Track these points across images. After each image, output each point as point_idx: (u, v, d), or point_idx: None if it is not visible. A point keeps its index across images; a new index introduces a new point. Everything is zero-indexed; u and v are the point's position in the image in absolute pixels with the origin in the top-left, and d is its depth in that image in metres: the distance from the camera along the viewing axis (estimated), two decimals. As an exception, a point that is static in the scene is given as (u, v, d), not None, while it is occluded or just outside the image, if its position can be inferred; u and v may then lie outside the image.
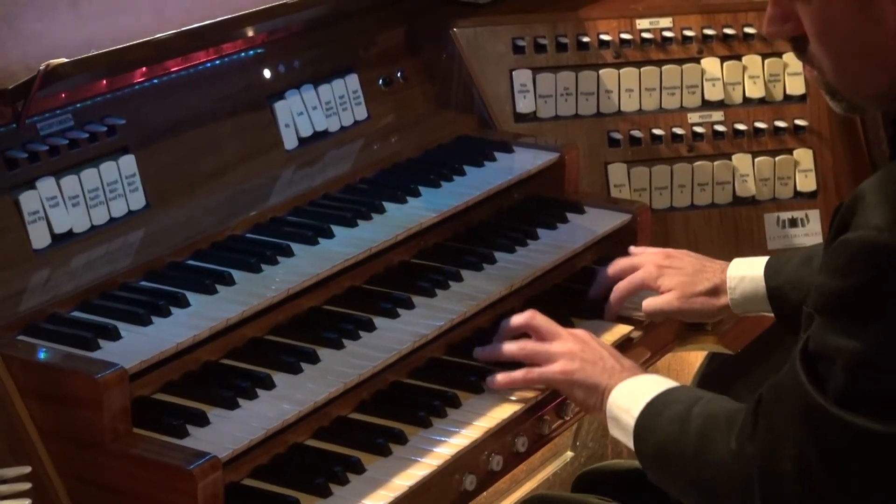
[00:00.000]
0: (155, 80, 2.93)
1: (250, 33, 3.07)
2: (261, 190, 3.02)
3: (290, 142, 3.15)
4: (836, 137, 3.68)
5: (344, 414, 2.62)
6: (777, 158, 3.63)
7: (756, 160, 3.62)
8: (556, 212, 3.23)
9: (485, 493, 2.64)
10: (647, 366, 2.90)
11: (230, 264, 2.72)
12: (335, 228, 2.89)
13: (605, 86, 3.55)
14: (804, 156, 3.64)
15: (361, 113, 3.31)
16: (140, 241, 2.78)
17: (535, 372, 2.65)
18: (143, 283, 2.68)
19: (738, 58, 3.64)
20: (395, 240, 2.93)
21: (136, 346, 2.46)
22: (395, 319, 2.75)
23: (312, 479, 2.40)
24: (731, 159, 3.61)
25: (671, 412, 2.39)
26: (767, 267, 2.86)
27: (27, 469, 2.22)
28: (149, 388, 2.51)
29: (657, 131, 3.57)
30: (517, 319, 2.73)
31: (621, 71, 3.56)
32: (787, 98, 3.66)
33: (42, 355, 2.40)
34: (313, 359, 2.60)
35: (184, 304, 2.59)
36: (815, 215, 3.64)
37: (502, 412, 2.64)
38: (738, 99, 3.63)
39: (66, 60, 2.53)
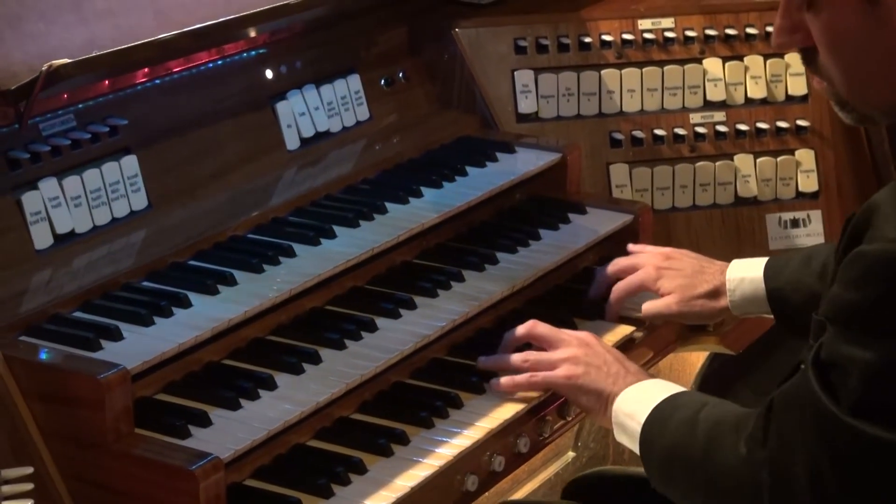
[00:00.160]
0: (157, 81, 2.93)
1: (252, 34, 3.07)
2: (263, 190, 3.02)
3: (292, 142, 3.15)
4: (838, 138, 3.68)
5: (346, 414, 2.62)
6: (779, 159, 3.63)
7: (758, 160, 3.62)
8: (558, 212, 3.23)
9: (486, 494, 2.63)
10: (648, 366, 2.90)
11: (232, 265, 2.72)
12: (337, 229, 2.89)
13: (607, 86, 3.55)
14: (806, 156, 3.64)
15: (363, 113, 3.31)
16: (142, 242, 2.78)
17: (539, 376, 2.64)
18: (145, 283, 2.68)
19: (740, 58, 3.64)
20: (397, 240, 2.93)
21: (138, 346, 2.46)
22: (396, 320, 2.76)
23: (314, 480, 2.40)
24: (732, 160, 3.61)
25: (678, 417, 2.38)
26: (767, 268, 2.85)
27: (29, 470, 2.22)
28: (151, 389, 2.51)
29: (659, 132, 3.57)
30: (520, 331, 2.72)
31: (623, 71, 3.56)
32: (789, 98, 3.66)
33: (44, 356, 2.40)
34: (315, 359, 2.60)
35: (186, 304, 2.59)
36: (816, 216, 3.64)
37: (504, 413, 2.64)
38: (739, 99, 3.63)
39: (68, 61, 2.53)
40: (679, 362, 3.99)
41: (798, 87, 3.66)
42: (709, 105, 3.62)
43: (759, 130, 3.62)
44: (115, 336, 2.47)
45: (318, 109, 3.21)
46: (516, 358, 2.68)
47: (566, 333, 2.69)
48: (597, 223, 3.22)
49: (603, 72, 3.55)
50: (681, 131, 3.58)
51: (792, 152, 3.64)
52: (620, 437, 2.52)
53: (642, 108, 3.58)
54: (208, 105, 3.01)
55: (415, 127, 3.40)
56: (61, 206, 2.67)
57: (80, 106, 2.77)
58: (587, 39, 3.56)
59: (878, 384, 2.02)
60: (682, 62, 3.61)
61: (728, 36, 3.64)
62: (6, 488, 2.17)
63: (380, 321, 2.73)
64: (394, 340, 2.69)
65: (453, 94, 3.51)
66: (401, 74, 3.43)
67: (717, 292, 2.88)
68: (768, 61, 3.64)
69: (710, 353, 3.85)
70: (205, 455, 2.27)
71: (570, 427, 2.83)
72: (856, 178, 3.70)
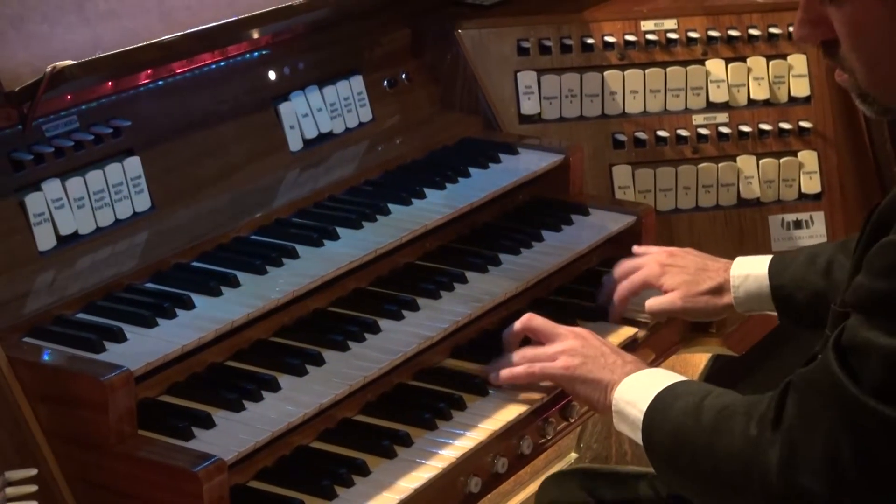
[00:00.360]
0: (160, 82, 2.93)
1: (256, 35, 3.07)
2: (266, 192, 3.02)
3: (294, 143, 3.15)
4: (841, 139, 3.68)
5: (349, 416, 2.62)
6: (781, 160, 3.63)
7: (760, 162, 3.62)
8: (561, 214, 3.23)
9: (489, 495, 2.64)
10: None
11: (235, 266, 2.72)
12: (340, 230, 2.90)
13: (610, 87, 3.56)
14: (809, 157, 3.64)
15: (366, 114, 3.31)
16: (145, 243, 2.78)
17: (537, 367, 2.65)
18: (149, 284, 2.68)
19: (743, 59, 3.64)
20: (400, 242, 2.93)
21: (142, 348, 2.46)
22: (399, 321, 2.76)
23: (318, 482, 2.40)
24: (735, 161, 3.61)
25: (682, 404, 2.38)
26: (771, 265, 2.85)
27: (33, 471, 2.22)
28: (154, 390, 2.51)
29: (662, 133, 3.57)
30: (516, 325, 2.73)
31: (626, 73, 3.57)
32: (792, 100, 3.66)
33: (47, 357, 2.40)
34: (318, 361, 2.60)
35: (189, 305, 2.59)
36: (819, 217, 3.64)
37: (507, 414, 2.64)
38: (742, 101, 3.64)
39: (72, 63, 2.53)
40: (682, 364, 3.99)
41: (801, 88, 3.65)
42: (711, 106, 3.62)
43: (762, 132, 3.62)
44: (119, 337, 2.48)
45: (321, 111, 3.21)
46: (514, 357, 2.69)
47: (562, 327, 2.70)
48: (599, 224, 3.22)
49: (606, 73, 3.55)
50: (683, 132, 3.58)
51: (795, 154, 3.64)
52: (620, 426, 2.51)
53: (645, 109, 3.58)
54: (211, 106, 3.01)
55: (418, 128, 3.40)
56: (64, 207, 2.67)
57: (84, 107, 2.78)
58: (590, 41, 3.56)
59: None
60: (684, 63, 3.61)
61: (731, 37, 3.64)
62: (10, 490, 2.17)
63: (383, 322, 2.74)
64: (397, 342, 2.69)
65: (456, 96, 3.51)
66: (404, 76, 3.43)
67: (720, 289, 2.88)
68: (771, 63, 3.64)
69: (713, 354, 3.84)
70: (208, 457, 2.27)
71: (572, 428, 2.83)
72: (858, 179, 3.70)
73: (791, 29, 3.65)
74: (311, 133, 3.18)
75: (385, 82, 3.39)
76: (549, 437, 2.73)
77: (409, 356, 2.69)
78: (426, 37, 3.50)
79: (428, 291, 2.85)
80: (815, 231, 3.64)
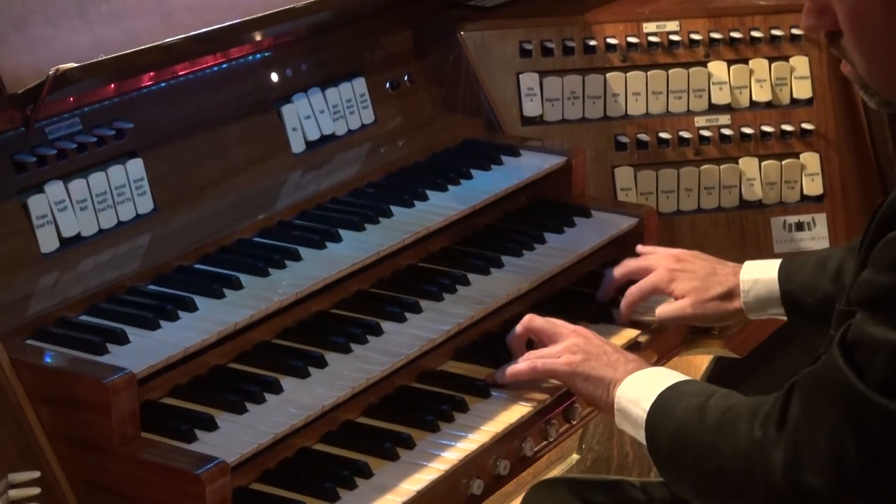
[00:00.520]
0: (163, 84, 2.93)
1: (258, 37, 3.07)
2: (268, 194, 3.02)
3: (297, 145, 3.15)
4: (843, 141, 3.68)
5: (352, 418, 2.62)
6: (784, 162, 3.63)
7: (763, 164, 3.62)
8: (563, 215, 3.23)
9: (491, 497, 2.64)
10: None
11: (238, 268, 2.73)
12: (343, 232, 2.90)
13: (612, 89, 3.56)
14: (811, 159, 3.64)
15: (368, 116, 3.31)
16: (148, 245, 2.78)
17: (540, 363, 2.65)
18: (151, 286, 2.68)
19: (745, 61, 3.64)
20: (403, 244, 2.93)
21: (145, 350, 2.46)
22: (402, 323, 2.76)
23: (320, 484, 2.41)
24: (737, 163, 3.61)
25: (686, 404, 2.38)
26: (781, 270, 2.85)
27: (36, 474, 2.22)
28: (157, 393, 2.51)
29: (664, 135, 3.57)
30: (518, 328, 2.74)
31: (628, 74, 3.57)
32: (794, 102, 3.66)
33: (50, 359, 2.41)
34: (321, 363, 2.60)
35: (192, 308, 2.59)
36: (821, 219, 3.64)
37: (510, 416, 2.64)
38: (744, 102, 3.64)
39: (75, 65, 2.53)
40: (683, 365, 3.98)
41: (803, 90, 3.66)
42: (714, 108, 3.62)
43: (764, 134, 3.62)
44: (122, 340, 2.48)
45: (324, 113, 3.21)
46: (520, 365, 2.70)
47: (563, 326, 2.70)
48: (602, 226, 3.23)
49: (608, 75, 3.56)
50: (685, 134, 3.58)
51: (797, 155, 3.64)
52: (622, 424, 2.52)
53: (647, 111, 3.58)
54: (214, 108, 3.01)
55: (420, 130, 3.40)
56: (67, 209, 2.68)
57: (86, 109, 2.78)
58: (592, 43, 3.56)
59: None
60: (686, 65, 3.61)
61: (733, 39, 3.64)
62: (13, 492, 2.17)
63: (385, 325, 2.74)
64: (399, 344, 2.69)
65: (458, 98, 3.51)
66: (406, 77, 3.43)
67: (730, 294, 2.88)
68: (773, 65, 3.64)
69: (715, 356, 3.85)
70: (211, 459, 2.28)
71: (574, 430, 2.83)
72: (860, 181, 3.70)
73: (793, 31, 3.66)
74: (313, 135, 3.18)
75: (387, 84, 3.39)
76: (552, 440, 2.74)
77: (412, 358, 2.69)
78: (428, 39, 3.50)
79: (430, 293, 2.85)
80: (817, 233, 3.64)
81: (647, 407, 2.44)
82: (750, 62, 3.64)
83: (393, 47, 3.43)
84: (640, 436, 2.45)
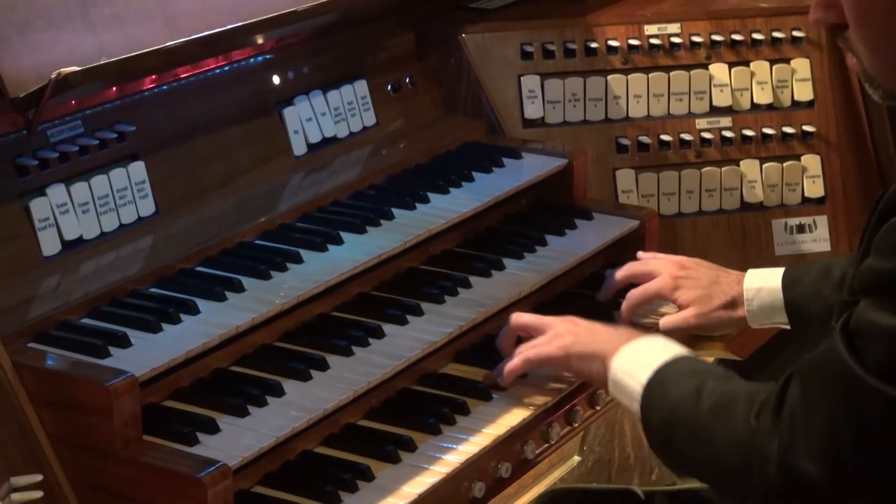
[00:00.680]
0: (164, 87, 2.93)
1: (260, 41, 3.07)
2: (270, 196, 3.03)
3: (298, 148, 3.15)
4: (844, 143, 3.68)
5: (353, 421, 2.63)
6: (785, 164, 3.63)
7: (764, 166, 3.62)
8: (565, 218, 3.23)
9: (493, 499, 2.64)
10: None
11: (239, 271, 2.73)
12: (344, 235, 2.90)
13: (614, 91, 3.56)
14: (812, 162, 3.65)
15: (370, 119, 3.31)
16: (150, 248, 2.78)
17: (532, 353, 2.66)
18: (153, 289, 2.68)
19: (747, 64, 3.64)
20: (404, 246, 2.93)
21: (146, 353, 2.47)
22: (404, 326, 2.76)
23: (322, 487, 2.41)
24: (738, 165, 3.61)
25: (683, 386, 2.37)
26: (785, 278, 2.85)
27: (39, 477, 2.22)
28: (159, 396, 2.52)
29: (665, 137, 3.57)
30: (506, 329, 2.75)
31: (629, 77, 3.57)
32: (795, 104, 3.66)
33: (52, 362, 2.41)
34: (322, 366, 2.60)
35: (193, 311, 2.60)
36: (822, 221, 3.65)
37: (511, 419, 2.64)
38: (746, 105, 3.64)
39: (77, 69, 2.53)
40: (685, 367, 3.99)
41: (804, 92, 3.66)
42: (715, 110, 3.62)
43: (765, 136, 3.63)
44: (123, 343, 2.48)
45: (325, 115, 3.21)
46: (514, 361, 2.70)
47: (550, 317, 2.71)
48: (603, 229, 3.23)
49: (609, 77, 3.56)
50: (687, 137, 3.58)
51: (798, 158, 3.65)
52: (618, 395, 2.51)
53: (648, 113, 3.58)
54: (215, 111, 3.01)
55: (421, 132, 3.40)
56: (69, 212, 2.68)
57: (88, 112, 2.78)
58: (593, 45, 3.56)
59: None
60: (688, 68, 3.61)
61: (734, 41, 3.64)
62: (16, 496, 2.17)
63: (387, 327, 2.74)
64: (401, 347, 2.69)
65: (460, 100, 3.51)
66: (407, 80, 3.43)
67: (734, 303, 2.88)
68: (774, 67, 3.65)
69: (716, 358, 3.85)
70: (213, 462, 2.28)
71: (576, 433, 2.83)
72: (861, 183, 3.71)
73: (794, 33, 3.66)
74: (315, 137, 3.18)
75: (389, 86, 3.39)
76: (553, 442, 2.74)
77: (413, 361, 2.69)
78: (430, 41, 3.50)
79: (432, 296, 2.86)
80: (818, 235, 3.64)
81: (643, 380, 2.43)
82: (751, 64, 3.65)
83: (394, 49, 3.43)
84: (634, 408, 2.45)
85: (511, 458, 2.64)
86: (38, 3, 2.61)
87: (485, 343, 2.87)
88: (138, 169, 2.81)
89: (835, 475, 2.10)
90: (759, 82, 3.64)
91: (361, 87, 3.30)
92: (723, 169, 3.59)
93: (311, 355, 2.63)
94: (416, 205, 3.06)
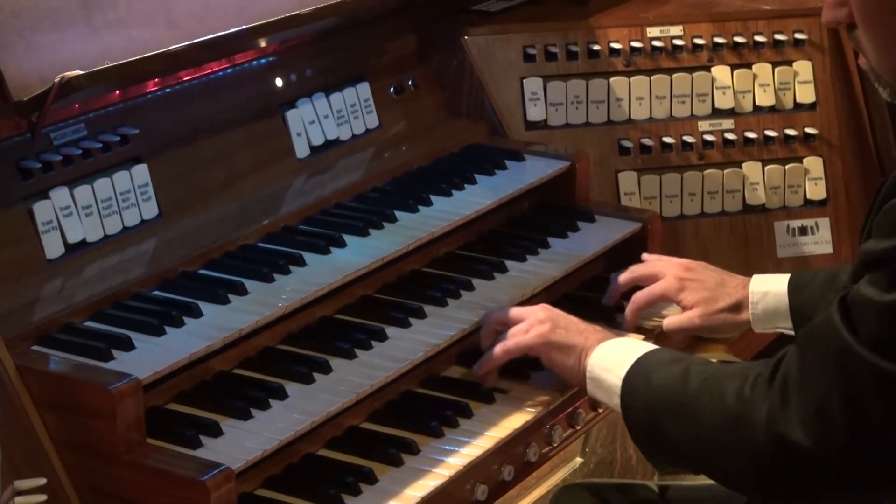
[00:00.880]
0: (167, 90, 2.93)
1: (263, 44, 3.07)
2: (273, 199, 3.03)
3: (301, 150, 3.15)
4: (846, 145, 3.69)
5: (356, 424, 2.63)
6: (787, 166, 3.64)
7: (766, 168, 3.62)
8: (567, 220, 3.23)
9: (495, 502, 2.64)
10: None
11: (242, 274, 2.73)
12: (347, 238, 2.90)
13: (616, 94, 3.56)
14: (814, 164, 3.65)
15: (373, 121, 3.32)
16: (153, 251, 2.78)
17: (511, 343, 2.68)
18: (156, 292, 2.68)
19: (749, 66, 3.65)
20: (407, 249, 2.94)
21: (150, 356, 2.47)
22: (406, 329, 2.76)
23: (325, 490, 2.41)
24: (741, 167, 3.61)
25: (668, 371, 2.39)
26: (791, 283, 2.85)
27: (42, 480, 2.22)
28: (162, 399, 2.52)
29: (667, 139, 3.58)
30: (483, 328, 2.76)
31: (632, 79, 3.57)
32: (797, 106, 3.67)
33: (56, 365, 2.41)
34: (325, 369, 2.60)
35: (197, 313, 2.60)
36: (824, 223, 3.65)
37: (514, 422, 2.65)
38: (748, 107, 3.64)
39: (80, 73, 2.54)
40: (687, 369, 3.99)
41: (806, 94, 3.66)
42: (717, 113, 3.63)
43: (768, 138, 3.63)
44: (127, 346, 2.48)
45: (328, 117, 3.21)
46: (496, 349, 2.71)
47: (525, 308, 2.73)
48: (606, 231, 3.23)
49: (611, 79, 3.56)
50: (689, 139, 3.59)
51: (800, 160, 3.65)
52: (595, 392, 2.53)
53: (651, 115, 3.59)
54: (218, 114, 3.01)
55: (424, 135, 3.40)
56: (72, 215, 2.68)
57: (91, 115, 2.78)
58: (596, 47, 3.57)
59: None
60: (690, 70, 3.62)
61: (736, 44, 3.64)
62: (19, 499, 2.17)
63: (389, 330, 2.74)
64: (403, 349, 2.69)
65: (462, 102, 3.51)
66: (410, 82, 3.44)
67: (738, 306, 2.88)
68: (777, 69, 3.65)
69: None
70: (216, 465, 2.28)
71: (578, 435, 2.84)
72: (864, 185, 3.71)
73: (797, 36, 3.66)
74: (317, 140, 3.19)
75: (391, 89, 3.39)
76: (555, 445, 2.75)
77: (416, 364, 2.69)
78: (432, 43, 3.51)
79: (434, 299, 2.86)
80: (820, 237, 3.64)
81: (622, 374, 2.45)
82: (753, 67, 3.65)
83: (397, 52, 3.44)
84: (614, 403, 2.47)
85: (514, 460, 2.64)
86: (42, 6, 2.61)
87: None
88: (141, 172, 2.81)
89: (822, 443, 2.13)
90: (762, 84, 3.64)
91: (364, 89, 3.31)
92: (725, 171, 3.60)
93: (313, 358, 2.63)
94: (419, 207, 3.07)
